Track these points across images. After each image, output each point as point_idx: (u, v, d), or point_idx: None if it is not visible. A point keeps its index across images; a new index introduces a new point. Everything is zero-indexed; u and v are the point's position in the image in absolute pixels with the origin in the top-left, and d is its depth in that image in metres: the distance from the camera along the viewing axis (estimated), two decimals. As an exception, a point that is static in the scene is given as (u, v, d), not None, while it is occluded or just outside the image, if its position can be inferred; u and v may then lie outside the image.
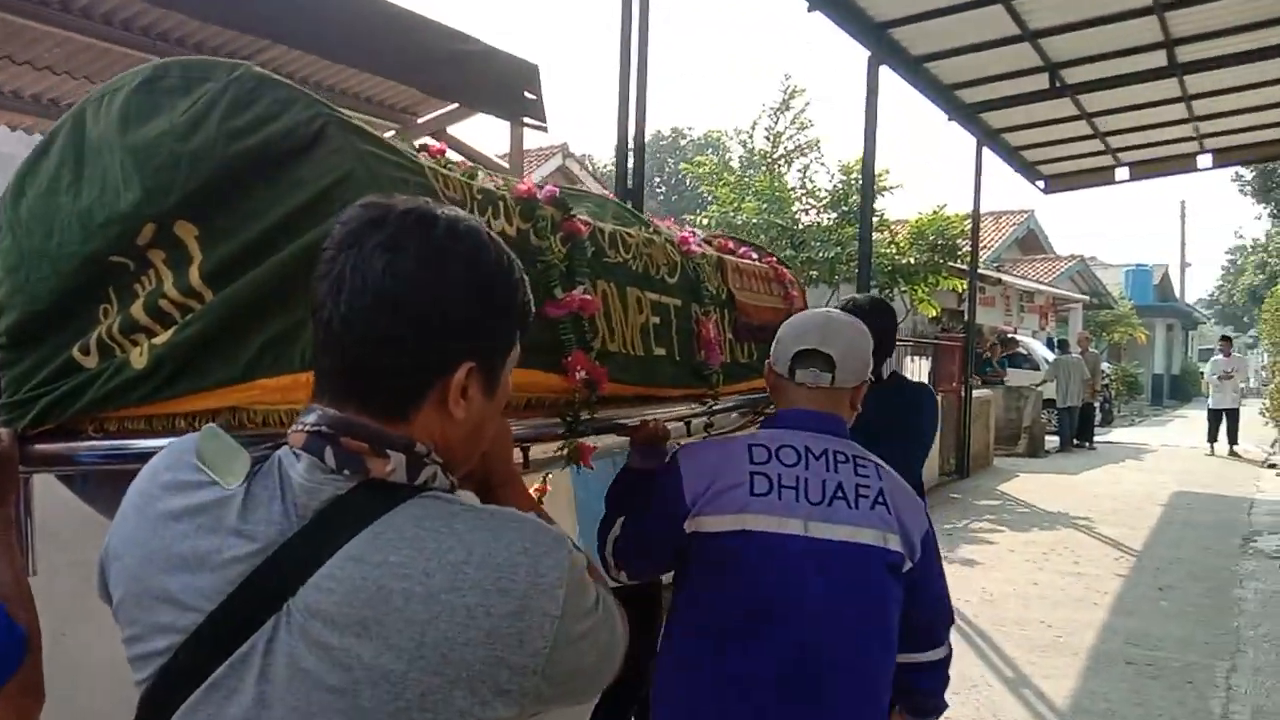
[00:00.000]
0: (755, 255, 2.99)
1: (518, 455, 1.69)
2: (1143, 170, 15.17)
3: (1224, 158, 14.72)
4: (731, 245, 2.91)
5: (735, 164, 14.72)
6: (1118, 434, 19.93)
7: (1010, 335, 18.79)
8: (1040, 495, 11.04)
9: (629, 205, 2.70)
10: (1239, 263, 46.01)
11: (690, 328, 2.29)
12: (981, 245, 27.80)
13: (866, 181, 9.12)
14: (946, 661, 2.08)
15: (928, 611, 1.99)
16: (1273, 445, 17.96)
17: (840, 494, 1.86)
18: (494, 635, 0.96)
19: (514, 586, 0.98)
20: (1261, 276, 36.09)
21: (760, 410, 2.69)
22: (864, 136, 8.81)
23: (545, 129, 5.07)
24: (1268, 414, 18.31)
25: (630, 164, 4.86)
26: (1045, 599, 6.69)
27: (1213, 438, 16.58)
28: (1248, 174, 29.51)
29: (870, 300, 3.30)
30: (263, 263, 1.32)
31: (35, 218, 1.43)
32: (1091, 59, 9.89)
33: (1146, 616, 6.37)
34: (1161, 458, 15.90)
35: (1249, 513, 10.47)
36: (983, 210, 29.85)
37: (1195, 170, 14.88)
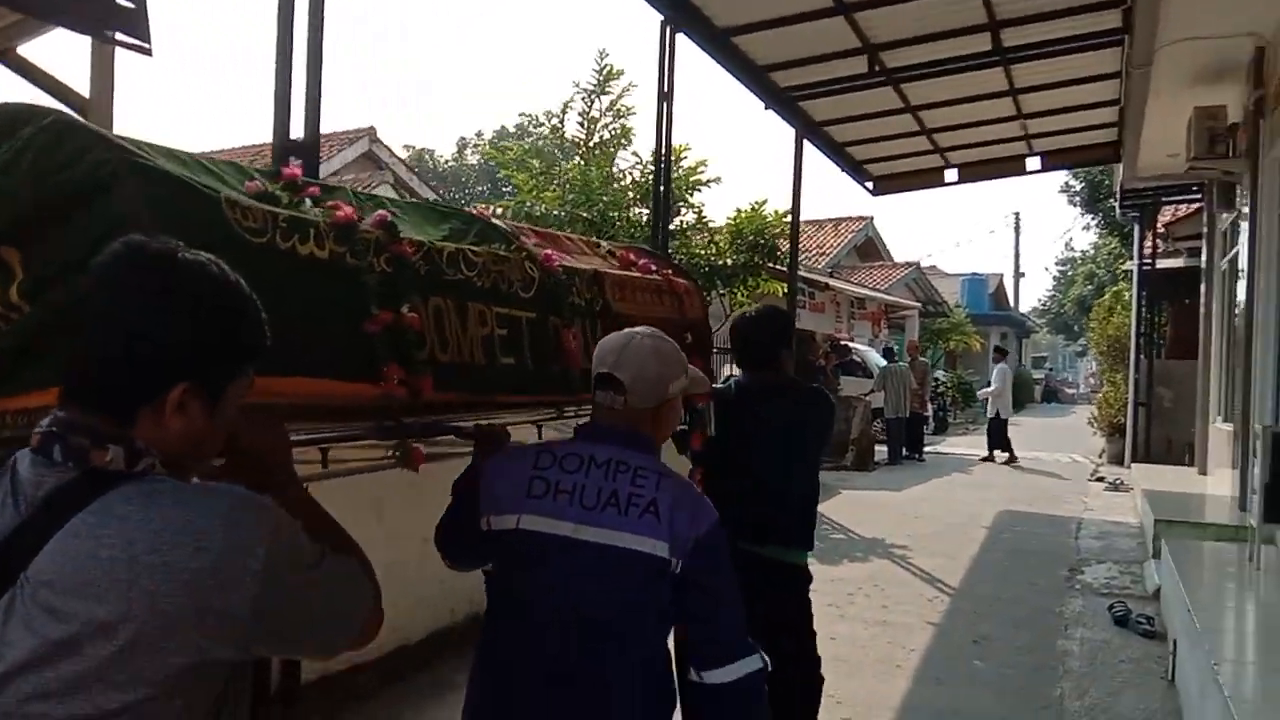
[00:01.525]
0: (655, 268, 3.15)
1: (313, 455, 2.00)
2: (972, 172, 14.55)
3: (1053, 160, 14.20)
4: (632, 257, 3.11)
5: (557, 151, 13.36)
6: (951, 443, 19.48)
7: (843, 342, 18.07)
8: (858, 518, 10.07)
9: (499, 225, 2.64)
10: (1069, 273, 47.42)
11: (548, 338, 2.47)
12: (821, 251, 27.79)
13: (660, 165, 7.91)
14: (738, 692, 2.00)
15: (704, 622, 2.04)
16: (1100, 455, 17.75)
17: (614, 501, 1.98)
18: (194, 588, 1.13)
19: (210, 545, 1.15)
20: (1090, 287, 36.98)
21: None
22: (657, 115, 7.63)
23: (148, 50, 3.59)
24: (1095, 423, 18.07)
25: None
26: (843, 662, 5.55)
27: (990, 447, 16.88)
28: (1077, 184, 29.96)
29: (759, 309, 3.69)
30: (69, 284, 1.48)
31: None
32: (912, 41, 8.96)
33: (957, 685, 5.31)
34: (990, 471, 15.33)
35: (1076, 535, 9.75)
36: (823, 217, 29.92)
37: (1024, 173, 14.37)
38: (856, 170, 13.80)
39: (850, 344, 18.86)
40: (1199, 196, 15.25)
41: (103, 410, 1.21)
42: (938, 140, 12.87)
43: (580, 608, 1.98)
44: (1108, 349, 18.63)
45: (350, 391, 1.87)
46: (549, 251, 2.62)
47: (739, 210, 11.73)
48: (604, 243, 3.26)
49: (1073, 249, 48.01)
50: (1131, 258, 18.57)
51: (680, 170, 11.48)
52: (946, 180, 14.64)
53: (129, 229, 1.33)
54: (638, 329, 2.22)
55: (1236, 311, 10.38)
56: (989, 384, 17.46)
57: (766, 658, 2.07)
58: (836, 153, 12.80)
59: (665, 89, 7.56)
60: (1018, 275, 46.23)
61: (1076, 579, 7.82)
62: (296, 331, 1.69)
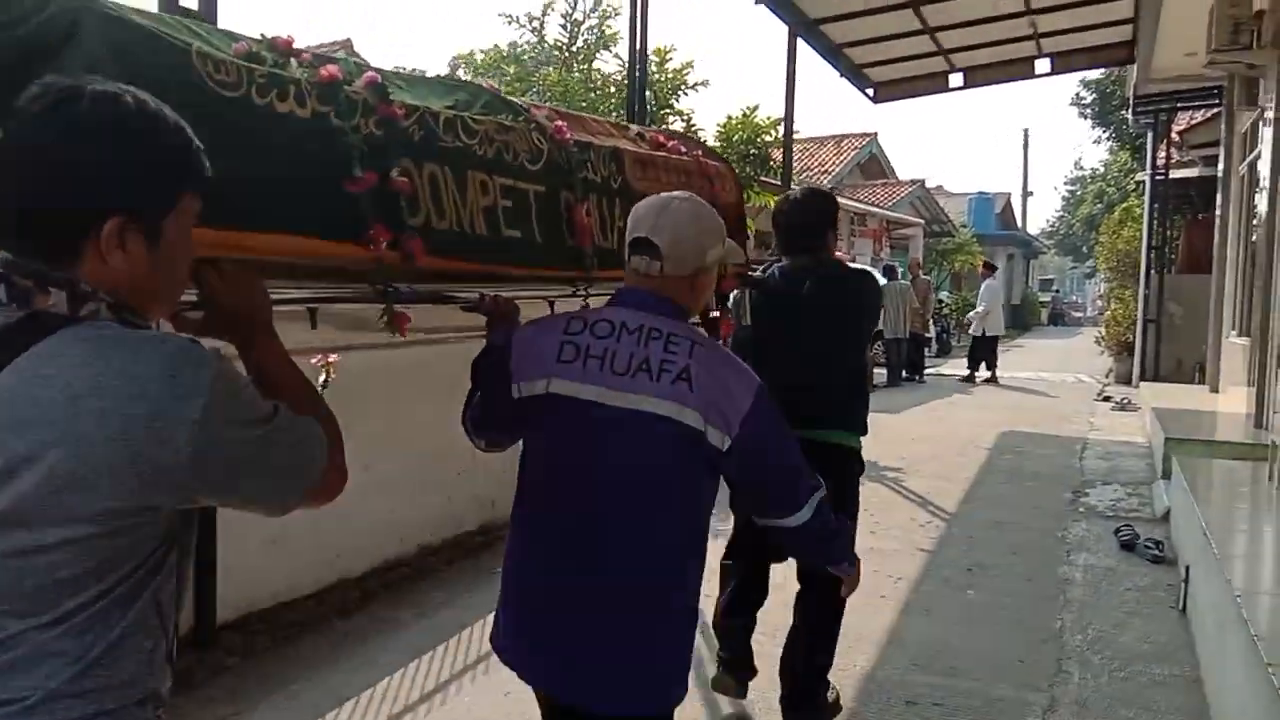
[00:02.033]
0: (686, 150, 3.13)
1: (302, 315, 1.96)
2: (978, 76, 13.79)
3: (1064, 63, 13.41)
4: (663, 139, 3.10)
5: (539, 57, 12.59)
6: (954, 364, 18.89)
7: (850, 260, 17.41)
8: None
9: (511, 99, 2.54)
10: (1079, 193, 46.44)
11: (559, 212, 2.43)
12: (823, 169, 26.91)
13: (635, 65, 7.25)
14: (812, 530, 2.07)
15: (764, 482, 2.05)
16: (1107, 375, 17.22)
17: (645, 367, 1.93)
18: (129, 435, 1.12)
19: (147, 393, 1.13)
20: (1100, 205, 36.13)
21: None
22: (630, 6, 6.96)
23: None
24: (1103, 343, 17.49)
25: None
26: (823, 592, 5.07)
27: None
28: (1088, 95, 28.96)
29: (802, 191, 3.62)
30: None
31: None
32: (911, -80, 8.22)
33: (946, 617, 4.83)
34: (991, 392, 14.81)
35: (1081, 456, 9.24)
36: (825, 134, 28.93)
37: (1034, 76, 13.58)
38: (855, 75, 13.05)
39: (850, 262, 18.20)
40: (1217, 101, 14.48)
41: (43, 252, 1.20)
42: (941, 40, 12.12)
43: (608, 471, 1.95)
44: (1117, 264, 17.95)
45: (338, 251, 1.86)
46: (560, 124, 2.53)
47: (729, 117, 11.01)
48: (636, 126, 3.16)
49: (1082, 168, 47.05)
50: (1143, 170, 17.84)
51: (664, 74, 10.77)
52: (951, 85, 13.94)
53: (101, 74, 1.31)
54: (675, 193, 2.13)
55: (1256, 220, 9.73)
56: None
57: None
58: (834, 55, 12.06)
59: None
60: (1025, 194, 45.29)
61: (1080, 502, 7.33)
62: (277, 187, 1.70)
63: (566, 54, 11.25)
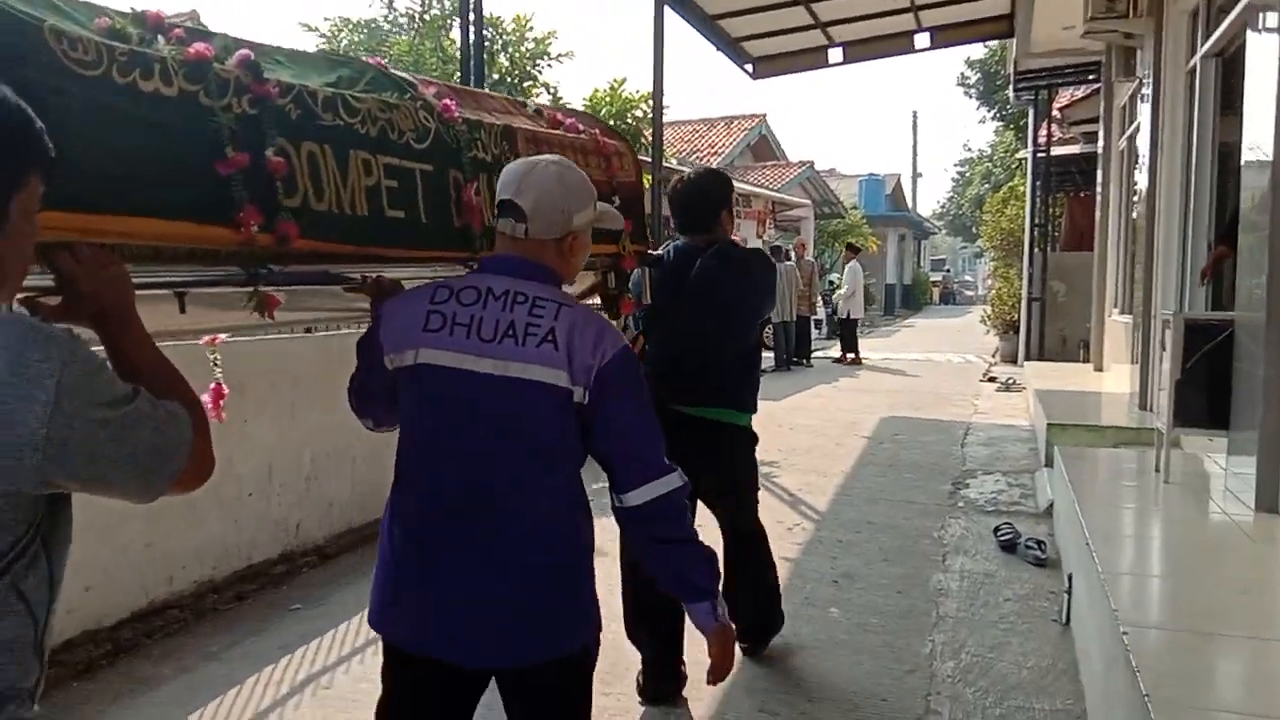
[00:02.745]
0: (584, 127, 3.07)
1: (170, 300, 1.85)
2: (858, 51, 13.37)
3: (943, 37, 13.07)
4: (560, 117, 3.04)
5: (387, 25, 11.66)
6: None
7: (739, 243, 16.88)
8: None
9: (397, 75, 2.47)
10: (967, 174, 46.98)
11: (446, 192, 2.39)
12: (713, 150, 26.42)
13: (468, 26, 6.51)
14: (653, 514, 1.99)
15: (611, 447, 1.99)
16: (993, 354, 17.09)
17: (511, 332, 1.92)
18: None
19: None
20: (987, 186, 36.46)
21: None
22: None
23: None
24: (989, 322, 17.35)
25: None
26: (670, 618, 4.44)
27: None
28: (973, 75, 29.04)
29: (697, 172, 3.81)
30: None
31: None
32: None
33: (806, 643, 4.25)
34: (876, 376, 14.46)
35: (963, 442, 8.84)
36: (715, 115, 28.47)
37: (914, 51, 13.18)
38: (733, 49, 12.50)
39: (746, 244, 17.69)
40: (1095, 77, 14.34)
41: None
42: (818, 12, 11.64)
43: (480, 440, 1.94)
44: (1001, 243, 17.84)
45: (205, 235, 1.80)
46: (448, 101, 2.48)
47: (596, 90, 10.32)
48: (533, 102, 3.13)
49: (970, 149, 47.58)
50: (1025, 151, 17.74)
51: (519, 43, 10.02)
52: (831, 60, 13.47)
53: None
54: (543, 156, 2.13)
55: (1136, 196, 9.45)
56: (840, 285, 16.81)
57: (685, 477, 2.02)
58: (706, 26, 11.47)
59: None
60: (915, 176, 45.70)
61: (960, 494, 6.86)
62: (140, 169, 1.64)
63: (420, 23, 10.37)
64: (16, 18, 1.48)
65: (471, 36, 7.02)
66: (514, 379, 1.90)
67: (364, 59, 2.50)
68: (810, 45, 12.98)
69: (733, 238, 3.71)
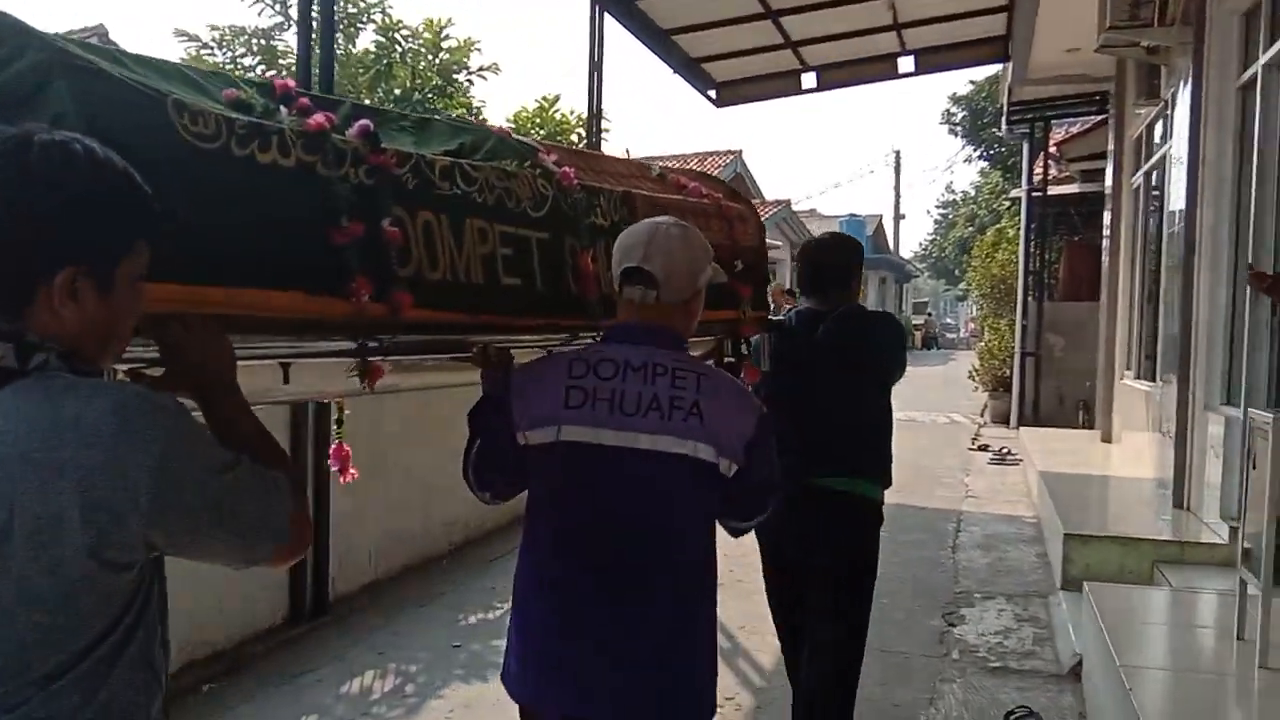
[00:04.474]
0: (707, 191, 3.05)
1: (274, 373, 1.85)
2: (834, 76, 11.93)
3: (930, 61, 11.63)
4: (684, 181, 3.02)
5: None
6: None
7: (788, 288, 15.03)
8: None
9: (518, 141, 2.50)
10: (950, 216, 45.83)
11: (563, 259, 2.36)
12: (685, 188, 25.04)
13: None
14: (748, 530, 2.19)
15: (743, 496, 2.06)
16: (982, 413, 15.53)
17: (655, 405, 1.93)
18: (86, 484, 1.11)
19: (100, 441, 1.12)
20: (971, 228, 35.25)
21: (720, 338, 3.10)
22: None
23: None
24: (976, 376, 15.78)
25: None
26: None
27: None
28: (959, 113, 27.78)
29: (828, 235, 3.68)
30: None
31: None
32: None
33: None
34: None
35: (954, 544, 7.19)
36: (689, 151, 27.07)
37: (896, 76, 11.78)
38: (692, 71, 10.98)
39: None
40: (1097, 110, 12.91)
41: None
42: (788, 29, 10.16)
43: (626, 516, 1.96)
44: (990, 291, 16.29)
45: (316, 307, 1.74)
46: (567, 169, 2.44)
47: (523, 109, 8.76)
48: (658, 166, 3.10)
49: (954, 191, 46.42)
50: (1018, 188, 16.30)
51: (428, 51, 8.45)
52: (804, 86, 12.00)
53: (67, 126, 1.29)
54: (661, 218, 2.14)
55: (1162, 240, 7.94)
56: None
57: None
58: (660, 43, 9.94)
59: None
60: (898, 217, 44.42)
61: (954, 635, 5.17)
62: (255, 240, 1.63)
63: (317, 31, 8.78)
64: (141, 92, 1.51)
65: (333, 37, 5.46)
66: (659, 453, 1.92)
67: (487, 126, 2.54)
68: (781, 68, 11.53)
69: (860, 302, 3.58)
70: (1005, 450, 11.48)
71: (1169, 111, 7.72)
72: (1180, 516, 6.07)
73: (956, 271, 43.84)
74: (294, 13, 8.55)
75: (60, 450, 1.10)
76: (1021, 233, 14.30)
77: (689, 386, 1.95)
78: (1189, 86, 6.42)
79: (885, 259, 36.59)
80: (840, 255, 3.44)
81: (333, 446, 2.41)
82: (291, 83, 1.94)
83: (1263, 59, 5.35)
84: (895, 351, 3.42)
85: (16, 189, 1.16)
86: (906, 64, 11.57)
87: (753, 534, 2.43)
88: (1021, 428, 12.57)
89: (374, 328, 1.87)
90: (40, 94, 1.38)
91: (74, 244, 1.20)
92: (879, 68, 11.66)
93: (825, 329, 3.27)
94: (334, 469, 2.43)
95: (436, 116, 2.36)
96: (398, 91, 8.13)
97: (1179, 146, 6.71)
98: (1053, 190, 14.03)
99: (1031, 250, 13.81)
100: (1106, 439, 10.33)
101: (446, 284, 2.01)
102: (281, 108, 1.83)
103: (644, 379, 1.94)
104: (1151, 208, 8.99)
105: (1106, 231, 10.83)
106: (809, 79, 11.82)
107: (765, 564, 3.45)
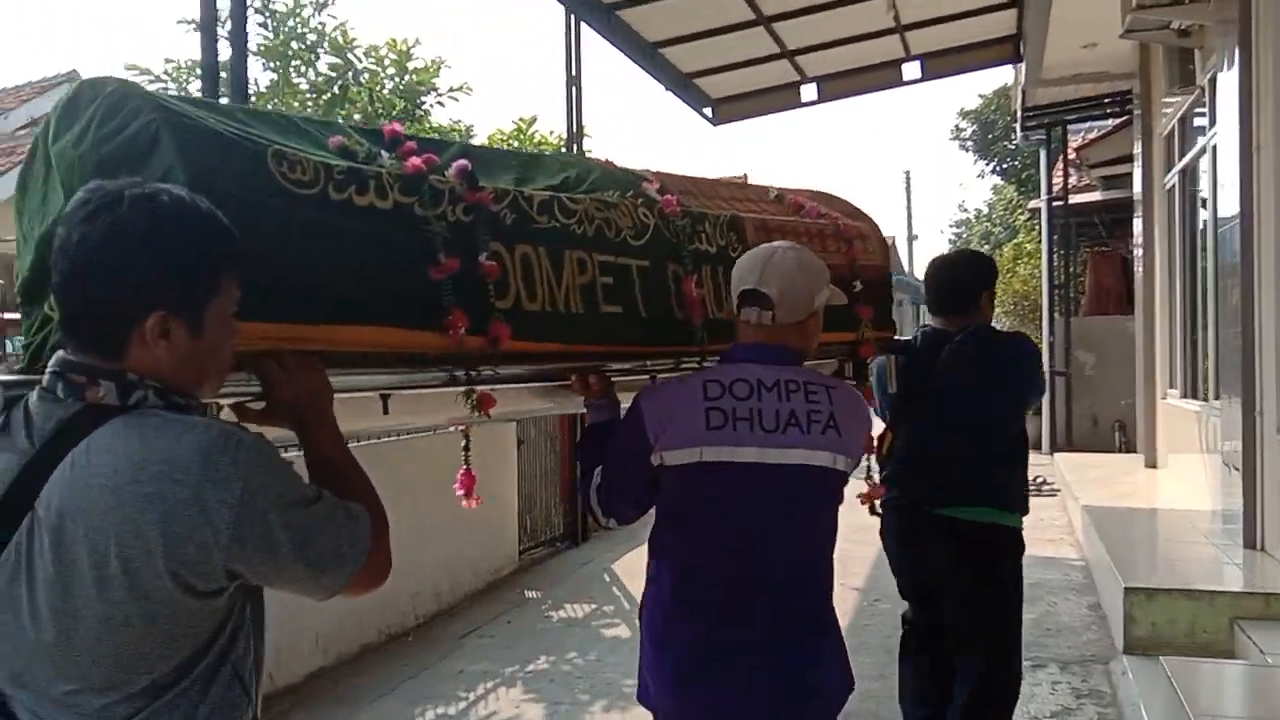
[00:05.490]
0: (825, 210, 3.02)
1: (373, 404, 1.87)
2: (836, 88, 11.30)
3: (937, 66, 10.91)
4: (801, 201, 3.00)
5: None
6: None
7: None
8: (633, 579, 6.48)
9: (621, 172, 2.54)
10: (964, 235, 44.99)
11: (665, 286, 2.39)
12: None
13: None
14: None
15: None
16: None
17: (794, 421, 2.01)
18: (171, 517, 1.20)
19: (187, 478, 1.21)
20: (986, 246, 34.40)
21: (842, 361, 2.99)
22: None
23: None
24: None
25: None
26: None
27: None
28: (968, 127, 27.03)
29: (956, 252, 3.99)
30: None
31: (35, 190, 1.67)
32: None
33: None
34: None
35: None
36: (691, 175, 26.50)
37: (902, 83, 11.11)
38: (685, 88, 10.33)
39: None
40: (1119, 110, 12.16)
41: (93, 347, 1.29)
42: (783, 37, 9.49)
43: (775, 530, 2.02)
44: (1014, 307, 15.47)
45: (416, 340, 1.83)
46: (670, 196, 2.48)
47: (499, 131, 8.08)
48: (776, 188, 3.05)
49: (966, 209, 45.57)
50: (1034, 201, 15.53)
51: (407, 75, 7.78)
52: (804, 99, 11.37)
53: (170, 183, 1.38)
54: (777, 243, 2.22)
55: (1216, 230, 7.15)
56: None
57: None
58: (648, 58, 9.27)
59: None
60: (910, 238, 43.62)
61: None
62: (351, 280, 1.70)
63: (277, 59, 8.11)
64: (242, 145, 1.61)
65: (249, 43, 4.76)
66: (801, 466, 2.00)
67: (591, 159, 2.62)
68: (779, 81, 10.88)
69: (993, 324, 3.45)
70: (1040, 479, 10.61)
71: (1205, 100, 6.96)
72: (1254, 559, 5.24)
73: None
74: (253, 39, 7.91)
75: (150, 484, 1.20)
76: (1044, 245, 13.50)
77: (823, 400, 2.04)
78: (1234, 66, 5.65)
79: (901, 281, 35.77)
80: (967, 272, 3.33)
81: (461, 473, 2.47)
82: (399, 127, 2.02)
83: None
84: (1028, 371, 3.27)
85: (107, 243, 1.26)
86: (912, 70, 10.91)
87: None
88: (1055, 453, 11.72)
89: (476, 360, 1.93)
90: (151, 153, 1.49)
91: (162, 291, 1.29)
92: (883, 76, 10.99)
93: (950, 350, 3.18)
94: (459, 493, 2.48)
95: (546, 154, 2.33)
96: (357, 116, 7.47)
97: (1226, 135, 5.93)
98: (1074, 199, 13.26)
99: (1055, 263, 13.03)
100: (1151, 464, 9.48)
101: (545, 315, 2.07)
102: (383, 152, 1.90)
103: (779, 396, 2.01)
104: (1190, 208, 8.19)
105: (1138, 239, 10.04)
106: (809, 91, 11.19)
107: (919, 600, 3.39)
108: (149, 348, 1.28)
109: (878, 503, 3.18)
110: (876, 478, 3.14)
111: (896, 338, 3.23)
